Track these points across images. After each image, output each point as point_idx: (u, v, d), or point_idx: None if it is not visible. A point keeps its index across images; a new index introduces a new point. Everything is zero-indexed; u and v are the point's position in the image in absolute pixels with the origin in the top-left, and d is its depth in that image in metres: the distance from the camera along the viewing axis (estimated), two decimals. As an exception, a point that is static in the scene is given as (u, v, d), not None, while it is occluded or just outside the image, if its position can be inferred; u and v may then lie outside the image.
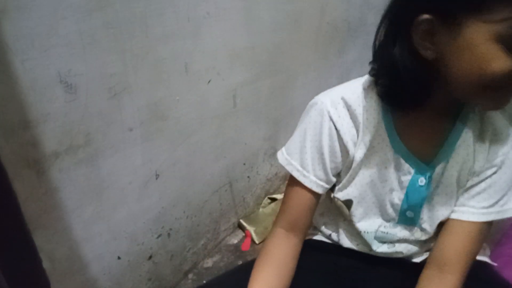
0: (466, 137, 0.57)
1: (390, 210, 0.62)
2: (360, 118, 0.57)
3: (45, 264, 0.53)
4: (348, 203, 0.62)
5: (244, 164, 1.23)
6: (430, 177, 0.58)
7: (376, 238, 0.65)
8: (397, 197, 0.61)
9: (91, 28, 0.62)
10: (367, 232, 0.64)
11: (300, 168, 0.60)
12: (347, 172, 0.61)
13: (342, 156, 0.60)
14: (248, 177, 1.28)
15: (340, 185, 0.62)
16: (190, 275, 1.14)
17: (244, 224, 1.31)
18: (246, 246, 1.26)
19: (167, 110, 0.83)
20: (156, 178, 0.88)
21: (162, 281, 1.05)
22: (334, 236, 0.70)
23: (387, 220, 0.64)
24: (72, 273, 0.77)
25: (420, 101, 0.53)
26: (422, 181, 0.58)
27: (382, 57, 0.53)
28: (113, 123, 0.72)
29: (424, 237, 0.63)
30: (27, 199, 0.63)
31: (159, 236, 0.97)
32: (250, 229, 1.30)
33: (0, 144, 0.56)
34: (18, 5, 0.52)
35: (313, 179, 0.60)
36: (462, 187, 0.59)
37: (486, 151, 0.57)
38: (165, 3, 0.72)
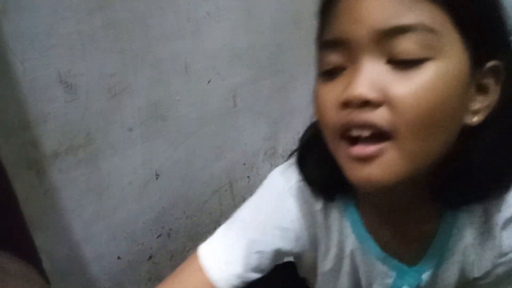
0: (463, 231, 0.45)
1: None
2: (320, 219, 0.47)
3: (45, 264, 0.53)
4: None
5: (244, 164, 1.23)
6: (417, 286, 0.48)
7: None
8: None
9: (91, 28, 0.62)
10: None
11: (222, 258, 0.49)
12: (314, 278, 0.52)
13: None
14: (248, 177, 1.28)
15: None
16: (190, 275, 1.14)
17: (244, 224, 1.31)
18: (246, 246, 1.26)
19: (167, 110, 0.83)
20: (156, 178, 0.88)
21: (162, 281, 1.05)
22: None
23: None
24: (72, 273, 0.77)
25: None
26: None
27: None
28: (113, 123, 0.72)
29: None
30: (27, 199, 0.63)
31: (159, 236, 0.97)
32: (250, 229, 1.29)
33: (0, 144, 0.56)
34: (18, 5, 0.52)
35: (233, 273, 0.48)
36: (471, 282, 0.48)
37: (500, 235, 0.44)
38: (165, 3, 0.72)
